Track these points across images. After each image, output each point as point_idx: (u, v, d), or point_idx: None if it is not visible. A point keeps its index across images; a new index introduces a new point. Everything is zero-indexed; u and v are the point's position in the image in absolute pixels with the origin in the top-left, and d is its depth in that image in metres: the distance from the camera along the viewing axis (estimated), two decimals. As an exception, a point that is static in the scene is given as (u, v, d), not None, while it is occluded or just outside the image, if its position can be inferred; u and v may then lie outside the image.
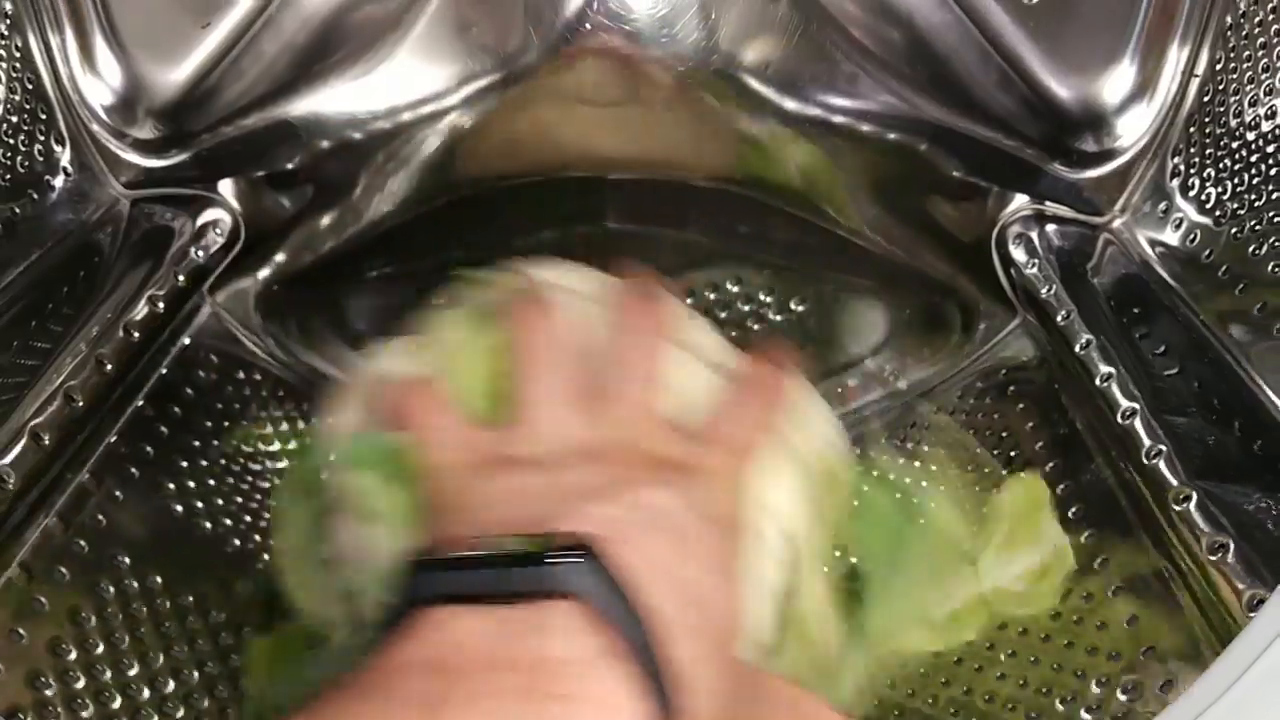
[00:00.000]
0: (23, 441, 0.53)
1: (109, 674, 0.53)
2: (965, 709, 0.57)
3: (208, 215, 0.73)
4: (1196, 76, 0.68)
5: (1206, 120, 0.67)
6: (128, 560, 0.58)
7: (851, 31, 0.69)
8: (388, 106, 0.71)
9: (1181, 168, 0.68)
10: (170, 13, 0.69)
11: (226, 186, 0.74)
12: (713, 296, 0.79)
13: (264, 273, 0.76)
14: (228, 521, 0.66)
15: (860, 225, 0.76)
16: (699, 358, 0.50)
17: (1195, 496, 0.53)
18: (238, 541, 0.66)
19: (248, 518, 0.68)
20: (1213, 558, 0.50)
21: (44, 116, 0.68)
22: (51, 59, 0.68)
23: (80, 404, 0.58)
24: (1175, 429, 0.58)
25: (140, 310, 0.67)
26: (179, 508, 0.64)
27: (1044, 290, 0.72)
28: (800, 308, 0.79)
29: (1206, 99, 0.67)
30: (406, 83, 0.71)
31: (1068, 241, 0.74)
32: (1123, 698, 0.51)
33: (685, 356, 0.49)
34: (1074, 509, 0.62)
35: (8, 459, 0.52)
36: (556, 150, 0.73)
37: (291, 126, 0.72)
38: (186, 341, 0.72)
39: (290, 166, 0.73)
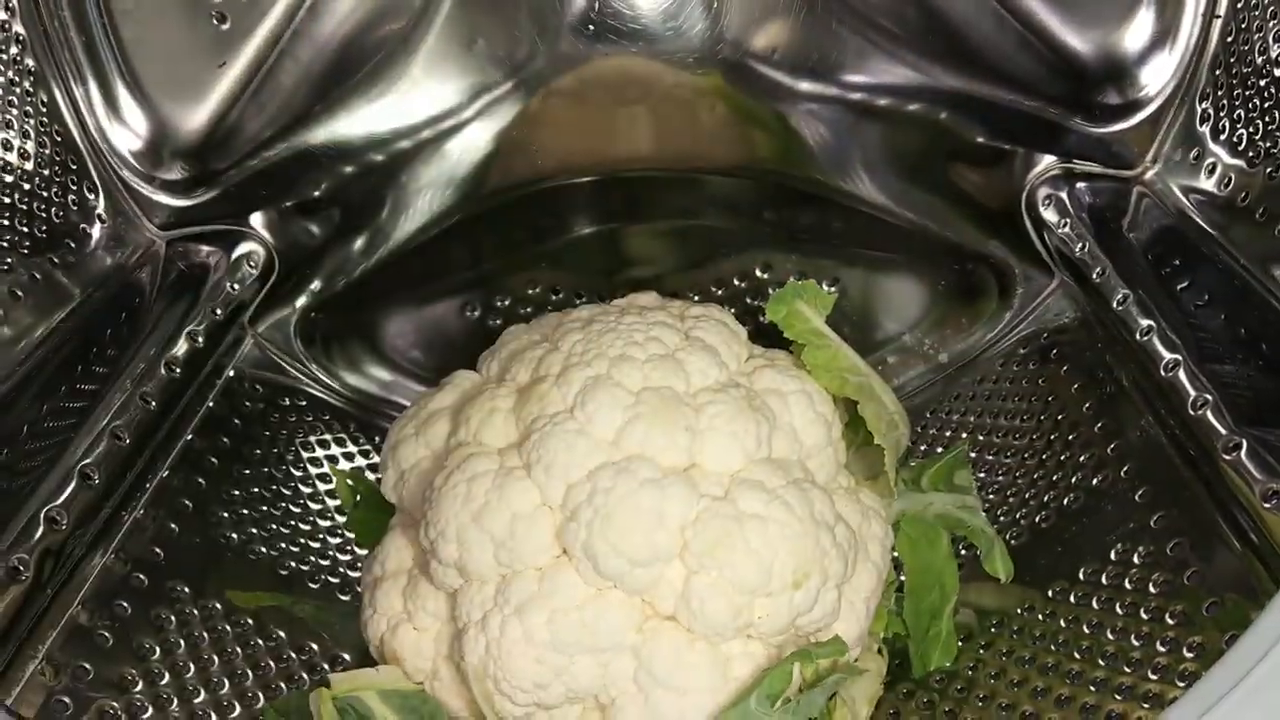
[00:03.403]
0: (73, 483, 0.55)
1: (176, 703, 0.54)
2: (1026, 680, 0.56)
3: (241, 249, 0.75)
4: (1218, 18, 0.67)
5: (1231, 61, 0.65)
6: (187, 590, 0.59)
7: (858, 6, 0.68)
8: (406, 125, 0.72)
9: (1210, 111, 0.67)
10: (187, 56, 0.70)
11: (257, 219, 0.75)
12: (743, 285, 0.79)
13: (301, 300, 0.78)
14: (281, 545, 0.67)
15: (886, 200, 0.75)
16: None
17: (1245, 444, 0.52)
18: (292, 563, 0.67)
19: (301, 540, 0.69)
20: (1267, 505, 0.49)
21: (75, 167, 0.69)
22: (77, 110, 0.69)
23: (127, 442, 0.60)
24: (1221, 378, 0.57)
25: (181, 347, 0.69)
26: (234, 535, 0.65)
27: (1078, 249, 0.71)
28: (832, 289, 0.78)
29: (1229, 39, 0.66)
30: (422, 101, 0.72)
31: (1099, 198, 0.73)
32: (1189, 655, 0.50)
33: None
34: (1126, 468, 0.61)
35: (60, 500, 0.54)
36: (575, 153, 0.73)
37: (314, 154, 0.73)
38: (231, 373, 0.74)
39: (317, 194, 0.75)
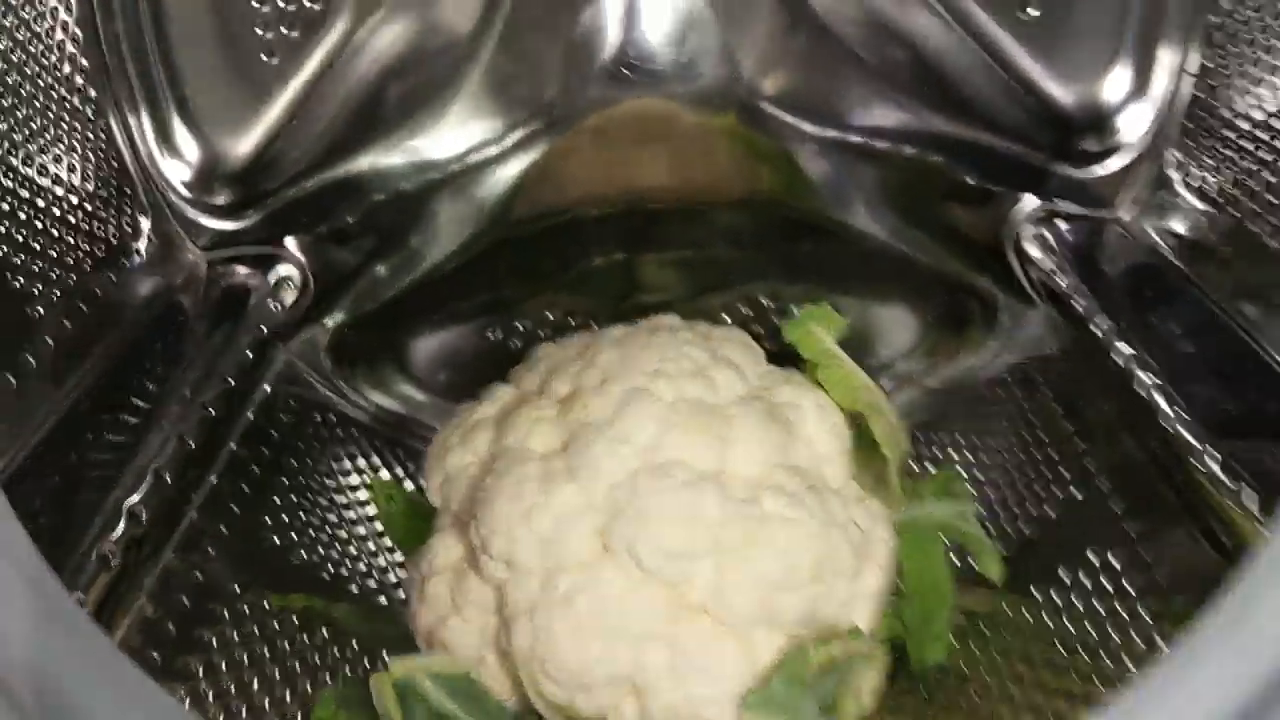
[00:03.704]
0: (149, 481, 0.59)
1: (234, 690, 0.58)
2: (1016, 674, 0.61)
3: (279, 271, 0.80)
4: (1190, 74, 0.73)
5: (1201, 114, 0.72)
6: (237, 588, 0.64)
7: (863, 57, 0.75)
8: (440, 159, 0.78)
9: (1181, 159, 0.73)
10: (236, 89, 0.75)
11: (294, 243, 0.80)
12: (750, 312, 0.84)
13: (332, 322, 0.82)
14: (320, 550, 0.72)
15: (883, 235, 0.81)
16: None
17: (1219, 457, 0.58)
18: (331, 568, 0.71)
19: (338, 546, 0.73)
20: (1237, 509, 0.55)
21: (128, 191, 0.74)
22: (131, 138, 0.74)
23: (193, 445, 0.64)
24: (1193, 398, 0.63)
25: (230, 361, 0.73)
26: (276, 539, 0.69)
27: (1061, 283, 0.77)
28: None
29: (1200, 95, 0.72)
30: (456, 136, 0.77)
31: (1079, 236, 0.79)
32: (1164, 646, 0.55)
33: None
34: (1104, 482, 0.67)
35: (137, 496, 0.58)
36: (597, 186, 0.78)
37: (350, 184, 0.78)
38: (268, 389, 0.78)
39: (351, 221, 0.80)
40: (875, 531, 0.60)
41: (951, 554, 0.70)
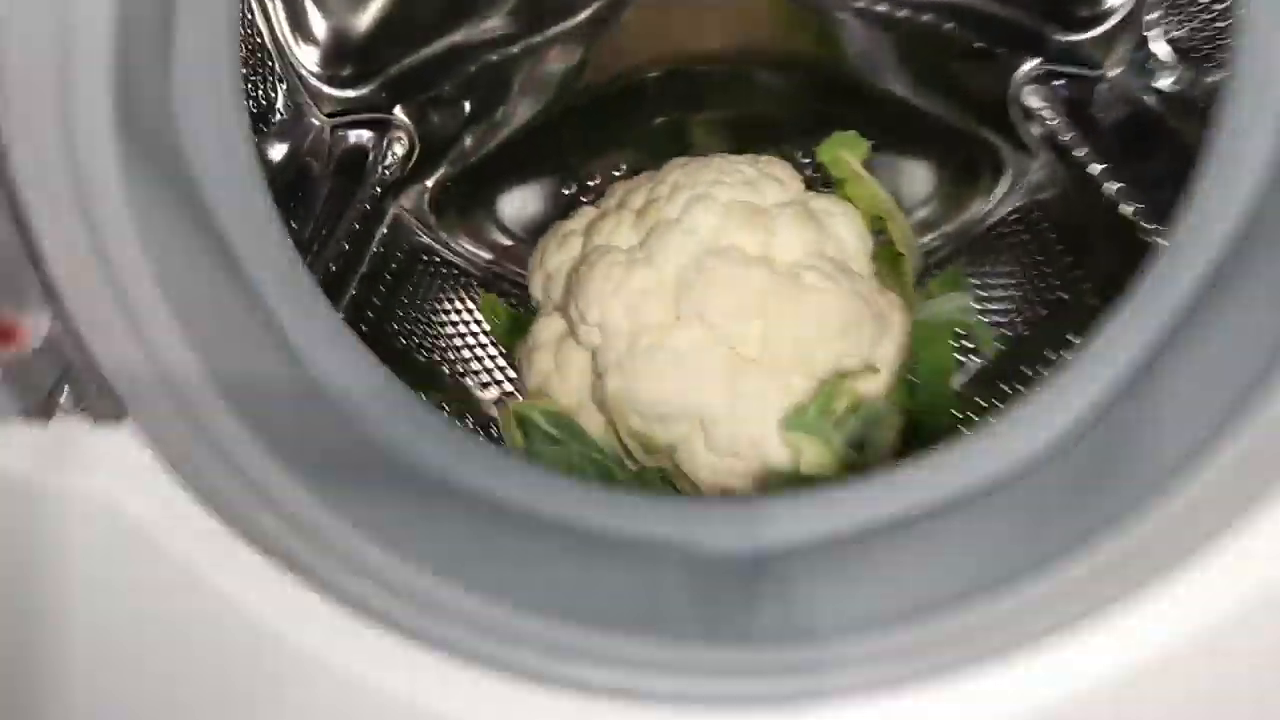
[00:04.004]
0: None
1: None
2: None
3: (390, 135, 0.94)
4: (1165, -56, 0.85)
5: (1174, -21, 0.84)
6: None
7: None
8: (524, 32, 0.92)
9: (1158, 20, 0.86)
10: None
11: (401, 110, 0.94)
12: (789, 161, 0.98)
13: (433, 178, 0.97)
14: (436, 356, 0.87)
15: (904, 95, 0.94)
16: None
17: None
18: (448, 368, 0.87)
19: (440, 353, 0.89)
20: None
21: (265, 66, 0.89)
22: (269, 18, 0.88)
23: (334, 269, 0.79)
24: (1168, 216, 0.76)
25: (352, 212, 0.88)
26: (399, 344, 0.85)
27: (1058, 134, 0.90)
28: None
29: (1174, -38, 0.85)
30: (534, 16, 0.91)
31: (1074, 92, 0.91)
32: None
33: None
34: (1087, 285, 0.80)
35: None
36: (656, 54, 0.92)
37: (447, 58, 0.93)
38: (384, 231, 0.93)
39: (450, 89, 0.94)
40: (893, 314, 0.74)
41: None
